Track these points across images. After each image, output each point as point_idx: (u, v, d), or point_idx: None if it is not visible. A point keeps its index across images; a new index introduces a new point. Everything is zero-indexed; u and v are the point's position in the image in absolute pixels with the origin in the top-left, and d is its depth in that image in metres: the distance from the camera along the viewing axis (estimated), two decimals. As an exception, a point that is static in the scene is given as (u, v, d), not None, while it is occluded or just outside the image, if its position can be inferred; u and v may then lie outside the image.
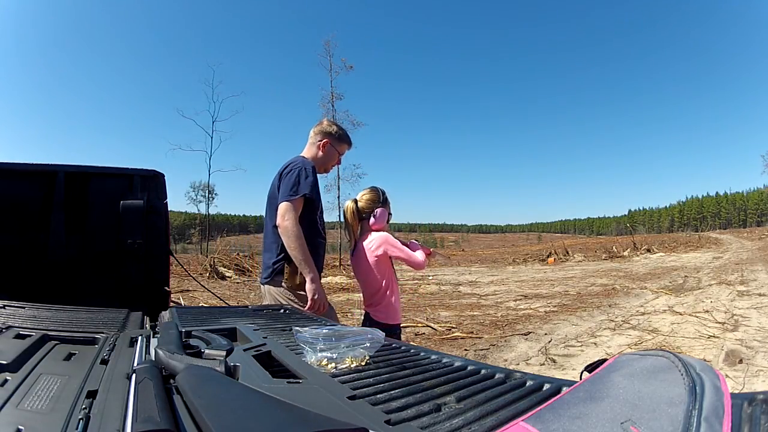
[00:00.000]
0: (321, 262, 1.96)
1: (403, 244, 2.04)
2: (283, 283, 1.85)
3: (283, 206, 1.81)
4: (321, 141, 2.03)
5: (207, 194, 28.35)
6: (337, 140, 2.06)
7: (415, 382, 0.63)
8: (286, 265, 1.85)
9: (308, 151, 2.05)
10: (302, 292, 1.82)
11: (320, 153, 2.03)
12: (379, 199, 2.04)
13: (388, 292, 2.00)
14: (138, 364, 0.58)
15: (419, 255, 2.00)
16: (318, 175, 1.98)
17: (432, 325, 4.98)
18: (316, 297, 1.80)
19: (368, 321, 2.00)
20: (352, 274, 2.01)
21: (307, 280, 1.80)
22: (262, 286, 1.97)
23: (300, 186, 1.83)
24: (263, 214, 2.03)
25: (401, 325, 2.19)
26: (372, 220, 2.01)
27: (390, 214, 2.09)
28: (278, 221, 1.79)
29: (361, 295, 2.24)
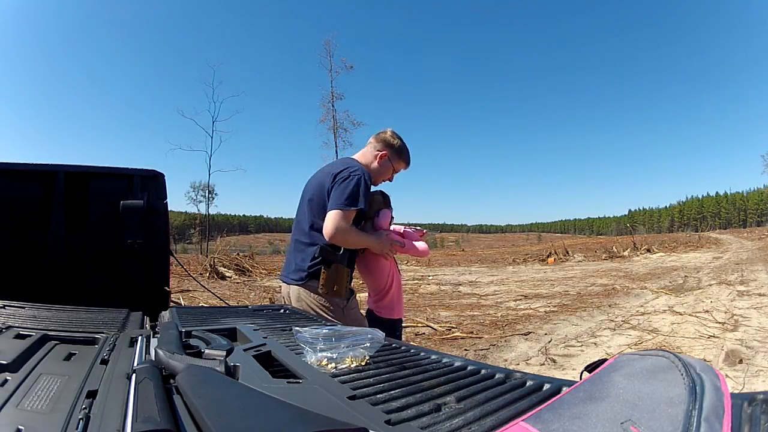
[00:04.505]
0: (351, 278, 1.85)
1: (399, 234, 2.07)
2: (319, 290, 1.73)
3: (334, 215, 1.67)
4: (380, 152, 1.90)
5: (207, 194, 28.37)
6: (397, 156, 1.93)
7: (415, 382, 0.63)
8: (323, 270, 1.72)
9: (363, 157, 1.91)
10: (338, 299, 1.75)
11: (376, 164, 1.89)
12: (382, 202, 2.07)
13: (393, 287, 2.03)
14: (138, 364, 0.58)
15: (420, 245, 2.06)
16: None
17: (432, 325, 4.98)
18: (392, 243, 1.91)
19: (371, 319, 2.01)
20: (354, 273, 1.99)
21: (380, 246, 1.87)
22: (288, 285, 1.84)
23: (360, 198, 1.70)
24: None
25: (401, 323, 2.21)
26: (375, 220, 2.02)
27: (392, 217, 2.11)
28: (328, 232, 1.66)
29: (363, 295, 2.25)
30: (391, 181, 2.01)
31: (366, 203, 1.74)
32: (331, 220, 1.68)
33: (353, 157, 1.94)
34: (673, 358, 0.42)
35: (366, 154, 1.93)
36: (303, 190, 1.96)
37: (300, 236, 1.84)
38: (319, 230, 1.76)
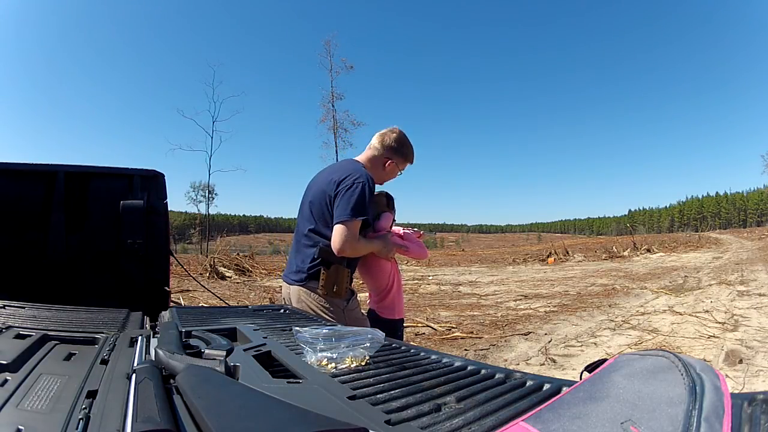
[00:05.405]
0: (351, 279, 1.85)
1: (400, 236, 2.07)
2: (318, 290, 1.73)
3: (341, 229, 1.66)
4: (388, 160, 1.88)
5: (207, 194, 28.38)
6: (403, 159, 1.93)
7: (415, 382, 0.63)
8: (323, 271, 1.72)
9: (369, 163, 1.88)
10: (338, 300, 1.75)
11: (384, 171, 1.90)
12: (385, 204, 2.07)
13: (394, 287, 2.03)
14: (138, 364, 0.58)
15: (420, 248, 2.07)
16: None
17: (432, 325, 4.98)
18: (396, 247, 1.93)
19: (372, 319, 2.01)
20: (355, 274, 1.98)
21: (385, 250, 1.89)
22: (289, 286, 1.85)
23: (365, 207, 1.69)
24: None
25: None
26: (376, 223, 2.02)
27: (394, 219, 2.11)
28: (336, 246, 1.66)
29: (363, 294, 2.25)
30: (395, 177, 2.03)
31: (371, 211, 1.74)
32: (339, 234, 1.67)
33: (358, 159, 1.91)
34: (673, 358, 0.42)
35: (373, 160, 1.89)
36: (305, 190, 1.94)
37: (300, 238, 1.85)
38: (319, 233, 1.76)
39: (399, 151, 1.91)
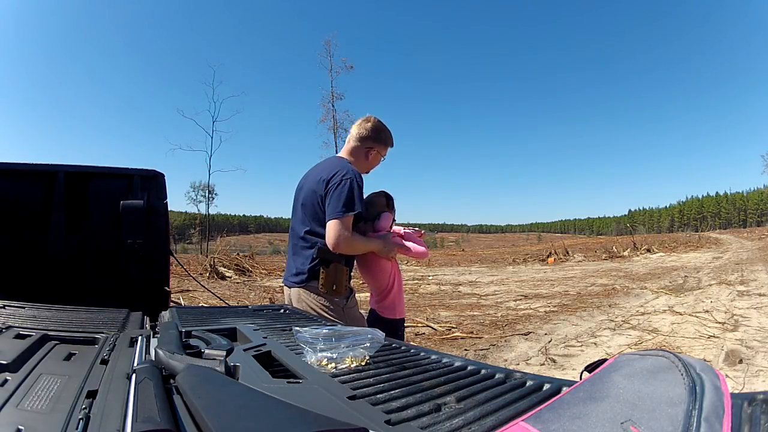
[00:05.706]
0: (350, 276, 1.86)
1: (400, 235, 2.07)
2: (319, 289, 1.74)
3: (334, 225, 1.68)
4: (369, 149, 1.92)
5: (207, 194, 28.40)
6: (383, 145, 1.97)
7: (415, 382, 0.63)
8: (322, 270, 1.73)
9: (351, 155, 1.92)
10: (338, 298, 1.76)
11: (367, 161, 1.94)
12: (385, 204, 2.07)
13: (395, 287, 2.04)
14: (138, 364, 0.58)
15: (421, 247, 2.07)
16: None
17: (432, 325, 4.98)
18: (397, 247, 1.93)
19: (373, 319, 2.01)
20: (355, 273, 1.98)
21: (386, 250, 1.89)
22: (289, 288, 1.87)
23: (355, 202, 1.71)
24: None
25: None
26: (376, 223, 2.02)
27: (394, 219, 2.11)
28: (332, 243, 1.68)
29: (364, 294, 2.25)
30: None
31: (362, 205, 1.75)
32: (332, 230, 1.68)
33: (341, 154, 1.94)
34: (673, 358, 0.42)
35: (354, 152, 1.92)
36: (296, 191, 1.96)
37: (297, 240, 1.86)
38: (315, 233, 1.78)
39: (377, 138, 1.94)
